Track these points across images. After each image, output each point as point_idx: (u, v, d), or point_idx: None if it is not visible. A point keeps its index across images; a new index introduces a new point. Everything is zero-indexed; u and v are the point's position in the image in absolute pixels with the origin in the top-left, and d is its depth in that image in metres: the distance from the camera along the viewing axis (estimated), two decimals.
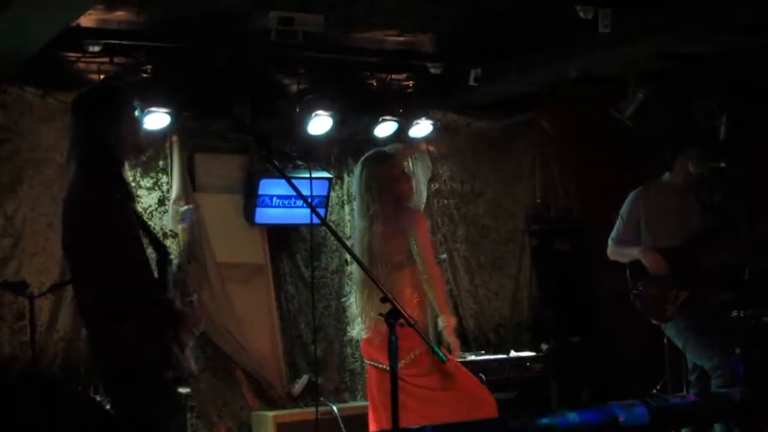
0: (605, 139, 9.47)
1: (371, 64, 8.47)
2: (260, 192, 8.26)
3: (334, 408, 7.97)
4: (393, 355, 4.19)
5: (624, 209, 7.28)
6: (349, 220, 8.89)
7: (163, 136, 8.01)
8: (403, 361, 5.49)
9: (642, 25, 7.13)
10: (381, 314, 4.30)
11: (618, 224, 7.31)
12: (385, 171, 6.03)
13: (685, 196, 7.08)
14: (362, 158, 6.23)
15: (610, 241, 7.34)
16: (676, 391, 7.11)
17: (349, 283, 8.76)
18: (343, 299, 6.81)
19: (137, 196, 7.75)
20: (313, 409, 7.56)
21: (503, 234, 9.57)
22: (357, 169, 6.21)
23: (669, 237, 7.03)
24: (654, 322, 7.11)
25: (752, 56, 8.36)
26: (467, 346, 9.05)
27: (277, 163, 4.64)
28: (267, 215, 8.37)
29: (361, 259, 5.76)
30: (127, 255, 4.39)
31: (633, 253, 7.13)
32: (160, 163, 8.15)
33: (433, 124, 8.75)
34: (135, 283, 4.37)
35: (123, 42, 7.39)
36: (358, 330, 6.09)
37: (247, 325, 8.36)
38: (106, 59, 7.55)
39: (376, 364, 5.92)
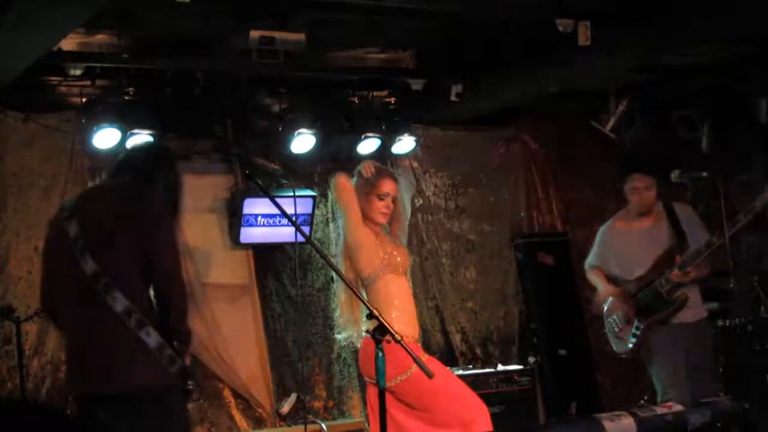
0: (588, 151, 9.51)
1: (353, 82, 8.48)
2: (245, 211, 8.26)
3: (323, 425, 7.95)
4: (380, 371, 4.18)
5: (597, 239, 7.37)
6: (334, 238, 8.89)
7: None
8: (399, 378, 5.43)
9: (622, 37, 7.16)
10: (367, 331, 4.26)
11: (592, 251, 7.41)
12: (360, 185, 5.84)
13: (649, 223, 7.04)
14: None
15: (585, 266, 7.44)
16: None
17: (335, 299, 8.77)
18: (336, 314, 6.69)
19: None
20: (301, 427, 7.56)
21: (488, 248, 9.57)
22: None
23: (634, 267, 7.02)
24: (622, 356, 7.16)
25: (732, 68, 8.40)
26: (454, 360, 9.07)
27: (260, 182, 4.66)
28: (252, 235, 8.37)
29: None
30: None
31: (598, 287, 7.25)
32: None
33: (416, 140, 8.75)
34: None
35: (104, 65, 7.39)
36: (345, 335, 5.91)
37: (234, 344, 8.34)
38: (88, 82, 7.55)
39: (372, 381, 5.76)
